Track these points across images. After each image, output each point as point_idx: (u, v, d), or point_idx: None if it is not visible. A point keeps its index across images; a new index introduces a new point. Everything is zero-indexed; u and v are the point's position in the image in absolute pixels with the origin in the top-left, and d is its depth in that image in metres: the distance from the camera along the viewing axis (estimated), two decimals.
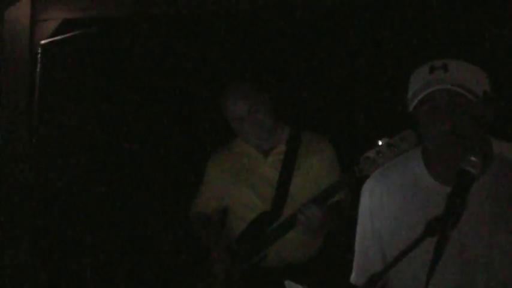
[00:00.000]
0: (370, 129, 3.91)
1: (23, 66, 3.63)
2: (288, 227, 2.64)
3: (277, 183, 2.77)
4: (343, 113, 4.11)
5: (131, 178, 4.27)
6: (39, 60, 3.59)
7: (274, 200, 2.76)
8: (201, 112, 4.26)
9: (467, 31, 3.79)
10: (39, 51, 3.59)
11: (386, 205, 1.79)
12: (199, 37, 4.23)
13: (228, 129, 2.87)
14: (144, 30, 4.14)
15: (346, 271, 1.96)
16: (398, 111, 3.71)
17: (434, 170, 1.73)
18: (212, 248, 2.77)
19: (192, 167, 3.51)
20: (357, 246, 1.92)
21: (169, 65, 4.27)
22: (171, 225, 4.11)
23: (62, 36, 3.61)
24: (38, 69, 3.58)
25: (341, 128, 4.03)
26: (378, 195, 1.82)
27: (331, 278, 2.73)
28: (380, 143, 2.46)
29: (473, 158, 1.49)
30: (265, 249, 2.73)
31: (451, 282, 1.65)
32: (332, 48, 4.12)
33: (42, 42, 3.60)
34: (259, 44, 4.25)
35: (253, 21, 4.07)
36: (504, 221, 1.65)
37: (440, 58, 1.69)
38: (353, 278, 1.94)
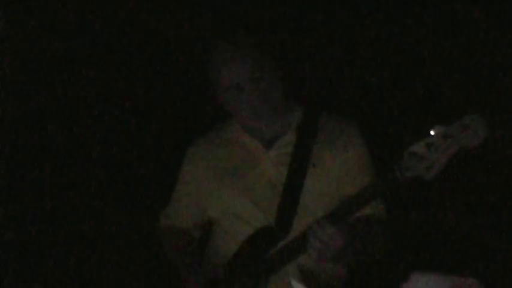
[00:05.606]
0: (416, 114, 3.08)
1: None
2: (297, 250, 1.87)
3: (284, 186, 1.98)
4: (378, 91, 3.25)
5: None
6: None
7: (279, 211, 1.97)
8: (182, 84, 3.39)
9: None
10: None
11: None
12: None
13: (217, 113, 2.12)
14: None
15: None
16: (459, 88, 3.07)
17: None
18: (190, 279, 1.98)
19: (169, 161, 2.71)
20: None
21: None
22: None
23: None
24: None
25: (376, 113, 3.14)
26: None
27: None
28: (432, 132, 1.73)
29: None
30: (265, 280, 1.94)
31: None
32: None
33: None
34: None
35: None
36: None
37: None
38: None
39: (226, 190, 2.04)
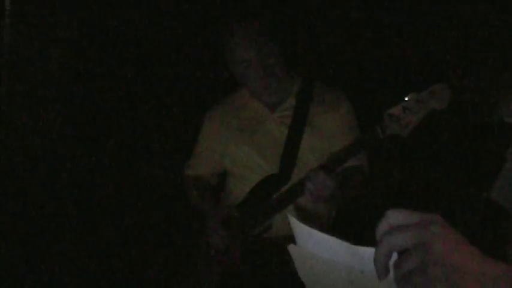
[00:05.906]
0: (395, 83, 3.48)
1: None
2: (296, 193, 2.27)
3: (285, 142, 2.40)
4: (363, 64, 3.62)
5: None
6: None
7: (281, 162, 2.39)
8: (199, 59, 3.75)
9: None
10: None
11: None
12: None
13: (230, 82, 2.50)
14: None
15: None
16: (428, 63, 3.43)
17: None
18: (209, 217, 2.41)
19: (189, 123, 3.10)
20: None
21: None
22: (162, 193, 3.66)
23: None
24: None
25: (360, 82, 3.56)
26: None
27: None
28: (407, 98, 2.08)
29: None
30: (270, 219, 2.37)
31: None
32: None
33: None
34: None
35: None
36: None
37: None
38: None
39: (238, 145, 2.46)
